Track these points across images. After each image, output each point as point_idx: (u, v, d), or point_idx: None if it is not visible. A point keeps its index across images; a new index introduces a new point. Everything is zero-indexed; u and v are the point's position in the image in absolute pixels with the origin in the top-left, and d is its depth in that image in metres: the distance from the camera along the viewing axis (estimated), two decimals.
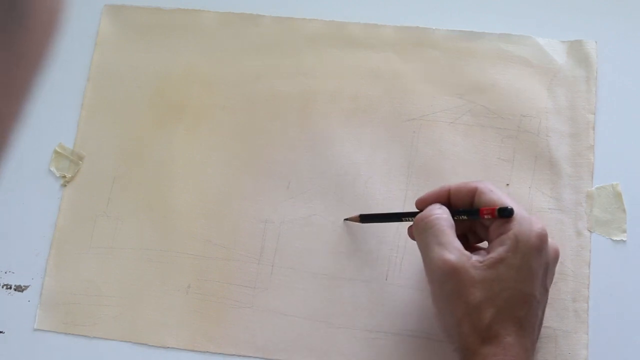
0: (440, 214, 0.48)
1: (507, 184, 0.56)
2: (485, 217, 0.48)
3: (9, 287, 0.56)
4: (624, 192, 0.55)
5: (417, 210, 0.50)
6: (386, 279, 0.54)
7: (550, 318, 0.52)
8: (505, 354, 0.44)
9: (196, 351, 0.54)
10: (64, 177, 0.58)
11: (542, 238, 0.46)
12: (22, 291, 0.56)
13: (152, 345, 0.54)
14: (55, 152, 0.59)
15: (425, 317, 0.53)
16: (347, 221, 0.56)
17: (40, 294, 0.56)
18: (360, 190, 0.56)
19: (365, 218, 0.54)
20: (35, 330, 0.55)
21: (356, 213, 0.55)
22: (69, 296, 0.55)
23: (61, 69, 0.62)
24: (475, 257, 0.46)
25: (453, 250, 0.46)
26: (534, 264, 0.46)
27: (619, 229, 0.54)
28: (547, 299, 0.48)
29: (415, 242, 0.49)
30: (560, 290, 0.53)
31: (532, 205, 0.55)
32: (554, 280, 0.53)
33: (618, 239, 0.54)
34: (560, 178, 0.56)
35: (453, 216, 0.48)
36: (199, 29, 0.62)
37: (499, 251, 0.46)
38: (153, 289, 0.55)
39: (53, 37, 0.24)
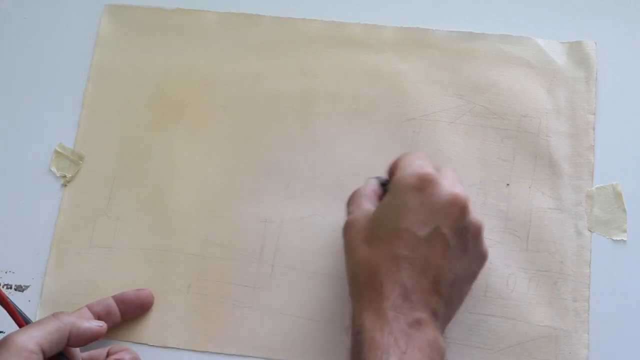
0: (363, 186, 0.51)
1: (508, 184, 0.56)
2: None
3: (9, 287, 0.56)
4: (624, 192, 0.55)
5: None
6: None
7: (551, 318, 0.52)
8: (376, 292, 0.44)
9: (196, 351, 0.54)
10: (64, 177, 0.58)
11: (421, 177, 0.46)
12: (22, 291, 0.56)
13: (152, 345, 0.54)
14: (56, 151, 0.59)
15: None
16: None
17: (41, 294, 0.56)
18: None
19: None
20: None
21: None
22: (69, 296, 0.55)
23: (61, 69, 0.62)
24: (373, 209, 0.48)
25: (356, 210, 0.49)
26: (410, 200, 0.45)
27: (619, 228, 0.54)
28: (454, 253, 0.46)
29: None
30: (561, 290, 0.53)
31: (532, 205, 0.55)
32: (554, 280, 0.53)
33: (618, 238, 0.54)
34: (560, 178, 0.56)
35: (382, 186, 0.51)
36: (199, 29, 0.62)
37: (383, 199, 0.48)
38: (153, 289, 0.55)
39: None
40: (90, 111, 0.60)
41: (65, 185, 0.58)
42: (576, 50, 0.59)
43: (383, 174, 0.52)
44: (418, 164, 0.47)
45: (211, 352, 0.54)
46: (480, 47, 0.60)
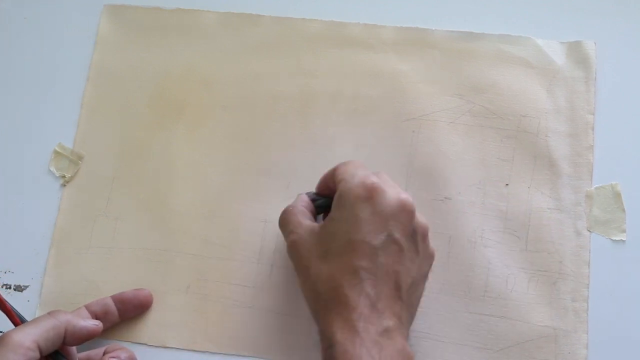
0: (293, 204, 0.50)
1: (507, 184, 0.56)
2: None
3: (8, 287, 0.56)
4: (623, 192, 0.55)
5: None
6: None
7: (550, 318, 0.52)
8: (342, 305, 0.44)
9: (196, 351, 0.54)
10: (64, 176, 0.58)
11: (368, 187, 0.46)
12: (21, 291, 0.56)
13: (152, 345, 0.54)
14: (55, 151, 0.59)
15: (423, 316, 0.53)
16: None
17: (40, 294, 0.56)
18: None
19: None
20: None
21: None
22: (68, 296, 0.55)
23: (61, 69, 0.62)
24: (316, 225, 0.48)
25: (296, 229, 0.48)
26: (361, 211, 0.45)
27: (618, 228, 0.54)
28: (408, 257, 0.46)
29: None
30: (560, 290, 0.53)
31: (532, 205, 0.55)
32: (554, 280, 0.53)
33: (617, 238, 0.54)
34: (559, 178, 0.56)
35: (313, 202, 0.51)
36: (199, 29, 0.62)
37: (330, 213, 0.48)
38: (153, 289, 0.55)
39: None
40: (90, 111, 0.60)
41: (65, 185, 0.58)
42: (576, 50, 0.59)
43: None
44: (361, 174, 0.47)
45: (211, 352, 0.54)
46: (480, 47, 0.60)
